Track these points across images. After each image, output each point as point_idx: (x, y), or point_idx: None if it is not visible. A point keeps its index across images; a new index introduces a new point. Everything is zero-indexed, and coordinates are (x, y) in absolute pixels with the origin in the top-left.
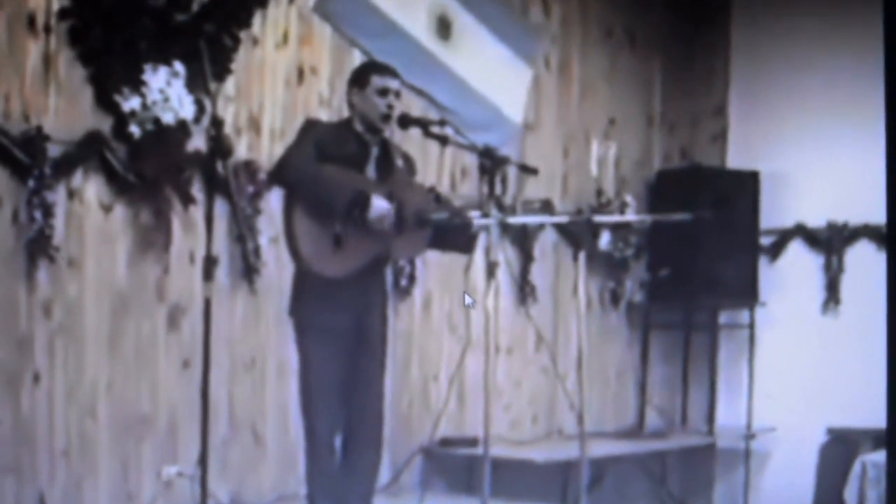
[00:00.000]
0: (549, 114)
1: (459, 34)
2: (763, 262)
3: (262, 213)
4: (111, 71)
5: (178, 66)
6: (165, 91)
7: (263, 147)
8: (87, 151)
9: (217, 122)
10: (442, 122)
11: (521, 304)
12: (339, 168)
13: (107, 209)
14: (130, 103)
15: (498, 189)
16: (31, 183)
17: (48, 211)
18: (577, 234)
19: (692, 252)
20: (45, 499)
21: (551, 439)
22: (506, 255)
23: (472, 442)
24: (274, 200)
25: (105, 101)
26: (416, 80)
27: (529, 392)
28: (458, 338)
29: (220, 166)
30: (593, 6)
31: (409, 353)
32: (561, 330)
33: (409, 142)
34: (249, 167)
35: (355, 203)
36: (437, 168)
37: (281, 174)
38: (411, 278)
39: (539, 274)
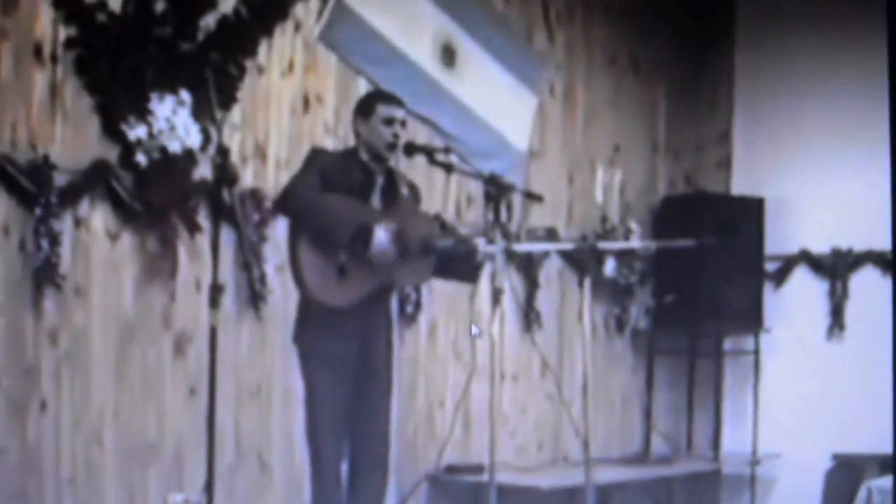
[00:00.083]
0: (553, 141)
1: (464, 62)
2: (768, 288)
3: (268, 241)
4: (117, 100)
5: (185, 95)
6: (171, 120)
7: (269, 175)
8: (94, 180)
9: (223, 151)
10: (447, 150)
11: (526, 331)
12: (344, 198)
13: (113, 237)
14: (137, 132)
15: (503, 216)
16: (37, 211)
17: (55, 239)
18: (582, 261)
19: (697, 278)
20: None
21: (557, 466)
22: (511, 282)
23: (478, 469)
24: (280, 228)
25: (111, 130)
26: (421, 108)
27: (535, 419)
28: (464, 365)
29: (226, 194)
30: (597, 33)
31: (415, 380)
32: (566, 356)
33: (415, 169)
34: (255, 195)
35: (358, 236)
36: (443, 195)
37: (285, 203)
38: (417, 305)
39: (544, 301)
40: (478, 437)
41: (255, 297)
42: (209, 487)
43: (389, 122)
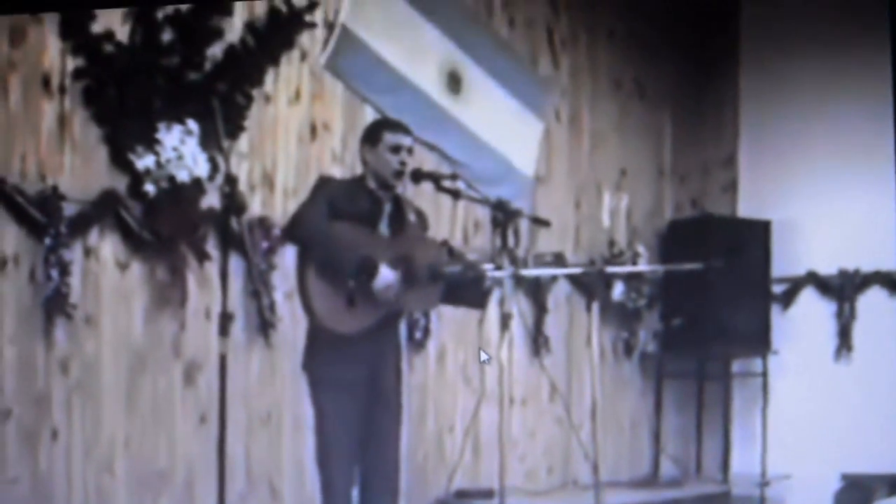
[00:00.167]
0: (560, 166)
1: (469, 88)
2: (775, 311)
3: (277, 269)
4: (125, 130)
5: (192, 125)
6: (179, 149)
7: (277, 203)
8: (103, 210)
9: (231, 180)
10: (454, 177)
11: (534, 356)
12: (352, 226)
13: (123, 267)
14: (145, 162)
15: (511, 242)
16: (47, 241)
17: (64, 269)
18: (590, 285)
19: (704, 301)
20: None
21: (566, 490)
22: (519, 307)
23: (488, 493)
24: (288, 256)
25: (120, 160)
26: (428, 135)
27: (544, 443)
28: (473, 390)
29: (234, 223)
30: (602, 57)
31: (424, 406)
32: (575, 380)
33: (422, 196)
34: (264, 223)
35: (363, 270)
36: (450, 222)
37: (293, 231)
38: (426, 331)
39: (552, 325)
40: (487, 462)
41: (264, 324)
42: None
43: (396, 149)
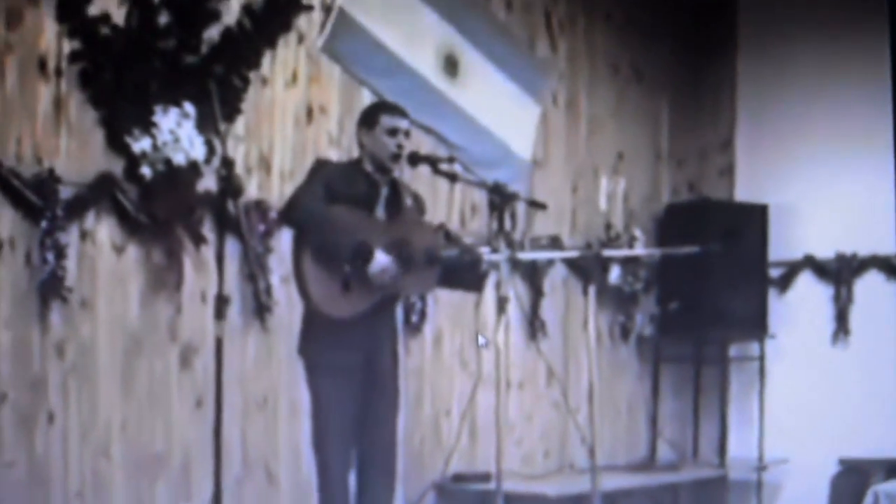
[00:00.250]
0: (557, 149)
1: (467, 72)
2: (772, 295)
3: (274, 252)
4: (122, 113)
5: (189, 108)
6: (176, 132)
7: (274, 186)
8: (99, 193)
9: (227, 162)
10: (451, 160)
11: (531, 340)
12: (348, 209)
13: (119, 250)
14: (141, 145)
15: (507, 225)
16: (43, 225)
17: (60, 252)
18: (587, 269)
19: (701, 285)
20: None
21: (563, 473)
22: (516, 290)
23: (485, 477)
24: (285, 239)
25: (116, 143)
26: (425, 118)
27: (541, 427)
28: (470, 374)
29: (230, 206)
30: (600, 41)
31: (421, 390)
32: (571, 364)
33: (419, 179)
34: (260, 206)
35: (359, 255)
36: (447, 205)
37: (289, 215)
38: (422, 315)
39: (549, 309)
40: (484, 446)
41: (260, 308)
42: (216, 499)
43: (393, 132)
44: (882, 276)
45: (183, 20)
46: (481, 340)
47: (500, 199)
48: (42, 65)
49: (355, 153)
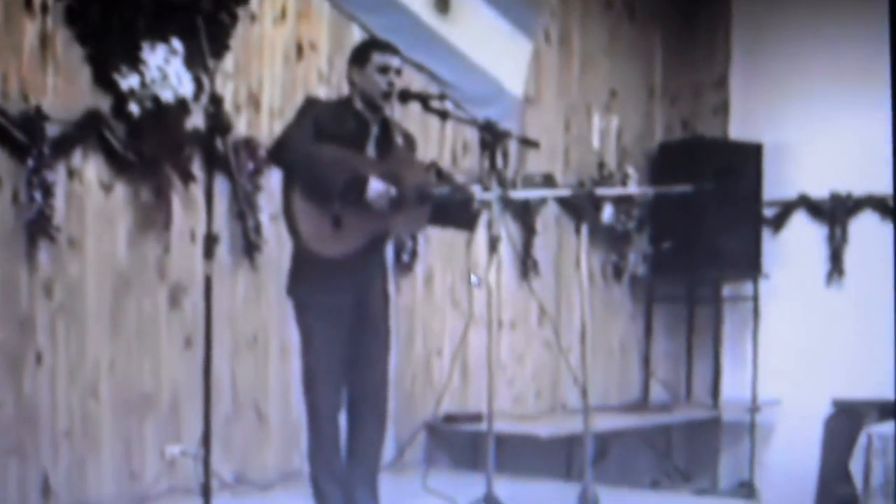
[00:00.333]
0: (549, 87)
1: (458, 8)
2: (766, 234)
3: (263, 190)
4: (109, 50)
5: (177, 44)
6: (164, 69)
7: (263, 124)
8: (87, 131)
9: (216, 100)
10: (442, 97)
11: (523, 279)
12: (338, 148)
13: (107, 188)
14: (129, 82)
15: (499, 163)
16: (30, 163)
17: (48, 191)
18: (580, 208)
19: (695, 224)
20: (49, 479)
21: (555, 414)
22: (508, 229)
23: (476, 418)
24: (274, 177)
25: (103, 80)
26: (416, 55)
27: (533, 367)
28: (461, 313)
29: (219, 143)
30: None
31: (412, 330)
32: (564, 304)
33: (410, 117)
34: (249, 144)
35: (352, 185)
36: (438, 143)
37: (278, 154)
38: (413, 254)
39: (541, 248)
40: (476, 386)
41: (250, 246)
42: (206, 438)
43: (384, 70)
44: (877, 216)
45: None
46: (473, 280)
47: (491, 136)
48: (28, 1)
49: (345, 91)
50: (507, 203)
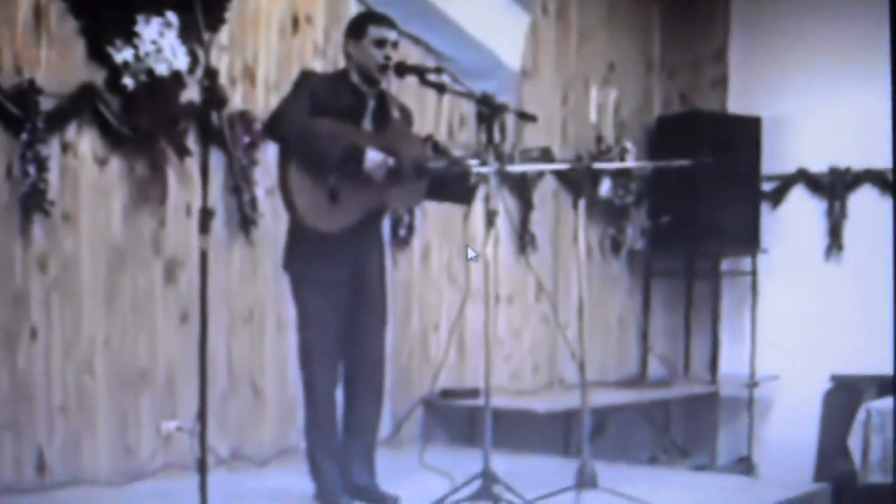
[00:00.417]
0: (547, 60)
1: None
2: (765, 209)
3: (259, 164)
4: (103, 22)
5: (171, 17)
6: (158, 42)
7: (258, 97)
8: (81, 104)
9: (211, 73)
10: (439, 70)
11: (520, 253)
12: (334, 121)
13: (101, 162)
14: (123, 55)
15: (496, 137)
16: (24, 137)
17: (42, 165)
18: (577, 182)
19: (693, 198)
20: (44, 455)
21: (553, 389)
22: (505, 203)
23: (473, 393)
24: (270, 151)
25: (98, 53)
26: (412, 28)
27: (530, 342)
28: (458, 288)
29: (214, 117)
30: None
31: (409, 304)
32: (561, 279)
33: (406, 90)
34: (245, 118)
35: (349, 157)
36: (435, 116)
37: (274, 128)
38: (410, 228)
39: (539, 222)
40: (473, 361)
41: (245, 221)
42: (202, 414)
43: (381, 43)
44: (876, 191)
45: None
46: (470, 253)
47: (488, 110)
48: None
49: (341, 64)
50: (504, 177)
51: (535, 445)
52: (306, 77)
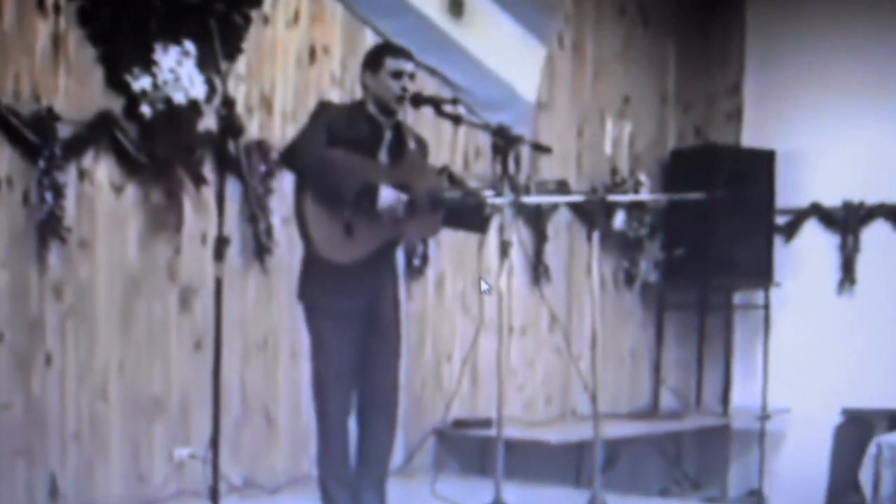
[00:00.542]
0: (562, 93)
1: (472, 12)
2: (778, 242)
3: (274, 193)
4: (121, 51)
5: (189, 46)
6: (176, 70)
7: (275, 126)
8: (98, 132)
9: (228, 102)
10: (455, 101)
11: (534, 285)
12: (350, 153)
13: (118, 190)
14: (141, 83)
15: (511, 168)
16: (41, 164)
17: (59, 192)
18: (592, 214)
19: (707, 232)
20: (57, 481)
21: (565, 420)
22: (519, 234)
23: (486, 423)
24: (286, 180)
25: (115, 81)
26: (429, 59)
27: (543, 373)
28: (472, 318)
29: (231, 146)
30: None
31: (423, 334)
32: (575, 310)
33: (422, 121)
34: (261, 147)
35: (363, 195)
36: (451, 147)
37: (291, 159)
38: (424, 258)
39: (553, 254)
40: (485, 392)
41: (260, 249)
42: (215, 442)
43: (398, 75)
44: (889, 226)
45: None
46: (484, 286)
47: (504, 141)
48: (40, 2)
49: (358, 94)
50: (518, 208)
51: (547, 476)
52: (324, 108)
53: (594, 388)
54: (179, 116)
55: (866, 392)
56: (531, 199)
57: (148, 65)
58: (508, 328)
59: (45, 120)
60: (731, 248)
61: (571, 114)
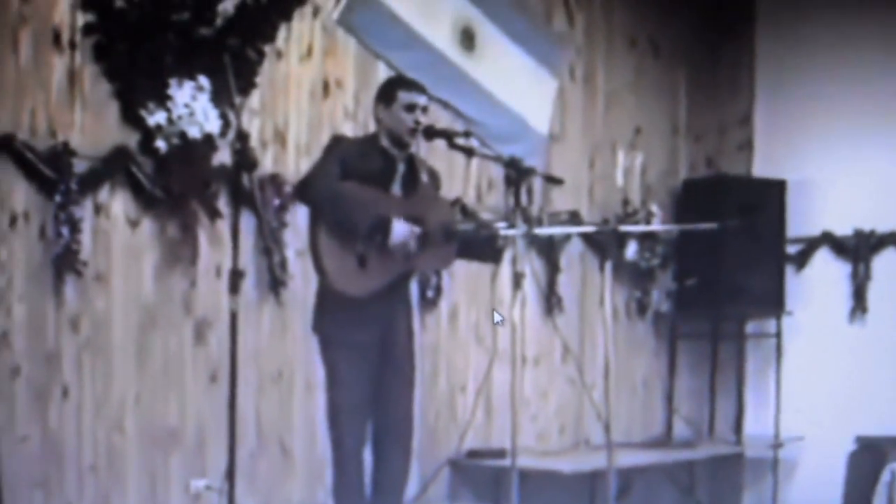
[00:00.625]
0: (574, 124)
1: (483, 45)
2: (790, 271)
3: (289, 226)
4: (136, 86)
5: (203, 81)
6: (191, 105)
7: (289, 160)
8: (114, 166)
9: (242, 136)
10: (467, 134)
11: (547, 315)
12: (363, 186)
13: (133, 224)
14: (156, 118)
15: (524, 200)
16: (57, 198)
17: (75, 226)
18: (604, 244)
19: (719, 261)
20: None
21: (578, 450)
22: (532, 266)
23: (500, 453)
24: (300, 213)
25: (131, 116)
26: (441, 92)
27: (556, 403)
28: (485, 349)
29: (245, 180)
30: (617, 16)
31: (436, 365)
32: (587, 340)
33: (435, 154)
34: (275, 180)
35: (376, 229)
36: (463, 180)
37: (305, 193)
38: (438, 290)
39: (565, 284)
40: (499, 422)
41: (275, 282)
42: (231, 473)
43: (411, 108)
44: None
45: None
46: (497, 318)
47: (516, 173)
48: (56, 37)
49: (371, 127)
50: (531, 240)
51: None
52: (337, 142)
53: (607, 417)
54: (194, 151)
55: (879, 419)
56: (544, 231)
57: (163, 100)
58: (522, 359)
59: (61, 155)
60: (742, 277)
61: (583, 145)
